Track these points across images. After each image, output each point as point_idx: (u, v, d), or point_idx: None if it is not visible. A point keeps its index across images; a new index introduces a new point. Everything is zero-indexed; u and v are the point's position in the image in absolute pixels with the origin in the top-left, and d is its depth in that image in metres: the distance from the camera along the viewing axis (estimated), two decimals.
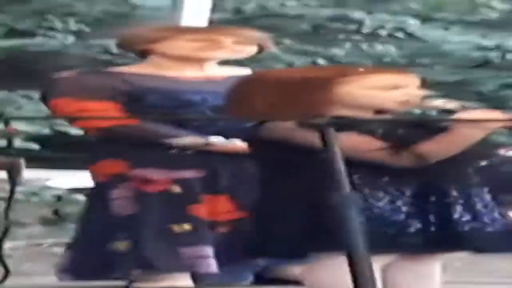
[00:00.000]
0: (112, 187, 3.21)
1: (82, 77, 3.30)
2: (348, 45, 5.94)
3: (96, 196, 3.31)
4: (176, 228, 3.18)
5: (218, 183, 3.23)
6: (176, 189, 3.19)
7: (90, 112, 3.18)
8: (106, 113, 3.19)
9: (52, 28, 5.88)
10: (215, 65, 3.44)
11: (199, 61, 3.38)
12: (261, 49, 3.50)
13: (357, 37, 6.04)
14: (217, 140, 3.19)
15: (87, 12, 6.08)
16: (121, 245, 3.17)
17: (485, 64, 6.60)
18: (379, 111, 2.68)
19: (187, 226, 3.18)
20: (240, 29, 3.56)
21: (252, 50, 3.44)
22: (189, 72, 3.32)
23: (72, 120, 3.77)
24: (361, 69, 2.64)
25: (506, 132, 2.92)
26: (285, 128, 2.42)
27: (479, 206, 2.68)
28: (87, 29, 5.98)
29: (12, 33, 5.90)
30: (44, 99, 3.35)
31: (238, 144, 3.21)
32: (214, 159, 3.22)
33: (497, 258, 3.48)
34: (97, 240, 3.25)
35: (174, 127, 3.25)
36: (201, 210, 3.20)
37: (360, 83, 2.53)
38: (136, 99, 3.23)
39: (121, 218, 3.21)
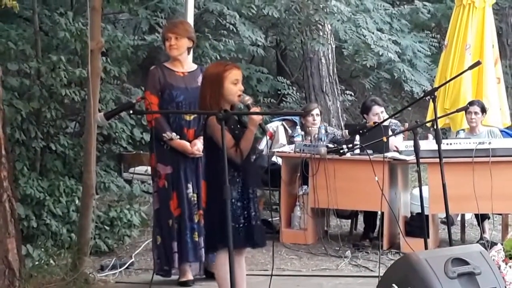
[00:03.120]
0: (153, 180, 3.44)
1: (153, 71, 3.45)
2: None
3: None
4: (170, 222, 3.35)
5: (180, 180, 3.34)
6: (166, 184, 3.35)
7: (153, 106, 3.36)
8: (155, 107, 3.36)
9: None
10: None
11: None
12: None
13: None
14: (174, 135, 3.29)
15: None
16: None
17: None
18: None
19: (170, 221, 3.35)
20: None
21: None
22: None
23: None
24: (229, 65, 2.64)
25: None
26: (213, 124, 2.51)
27: (255, 202, 2.57)
28: None
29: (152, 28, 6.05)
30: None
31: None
32: (179, 156, 3.32)
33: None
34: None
35: (165, 123, 3.37)
36: (173, 205, 3.35)
37: (229, 78, 2.55)
38: (163, 93, 3.39)
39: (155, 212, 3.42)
